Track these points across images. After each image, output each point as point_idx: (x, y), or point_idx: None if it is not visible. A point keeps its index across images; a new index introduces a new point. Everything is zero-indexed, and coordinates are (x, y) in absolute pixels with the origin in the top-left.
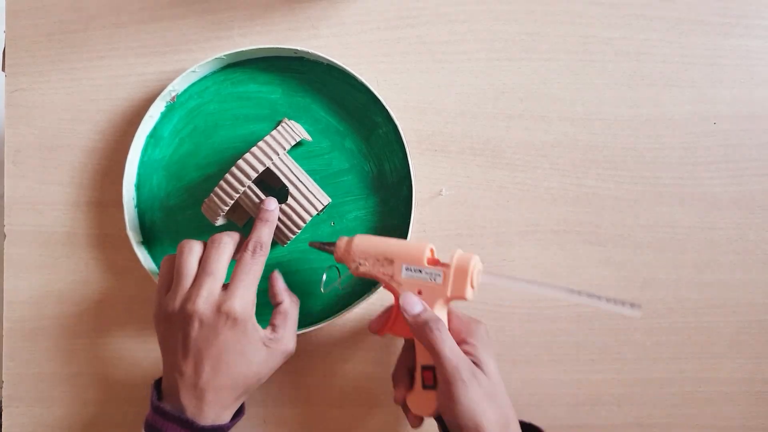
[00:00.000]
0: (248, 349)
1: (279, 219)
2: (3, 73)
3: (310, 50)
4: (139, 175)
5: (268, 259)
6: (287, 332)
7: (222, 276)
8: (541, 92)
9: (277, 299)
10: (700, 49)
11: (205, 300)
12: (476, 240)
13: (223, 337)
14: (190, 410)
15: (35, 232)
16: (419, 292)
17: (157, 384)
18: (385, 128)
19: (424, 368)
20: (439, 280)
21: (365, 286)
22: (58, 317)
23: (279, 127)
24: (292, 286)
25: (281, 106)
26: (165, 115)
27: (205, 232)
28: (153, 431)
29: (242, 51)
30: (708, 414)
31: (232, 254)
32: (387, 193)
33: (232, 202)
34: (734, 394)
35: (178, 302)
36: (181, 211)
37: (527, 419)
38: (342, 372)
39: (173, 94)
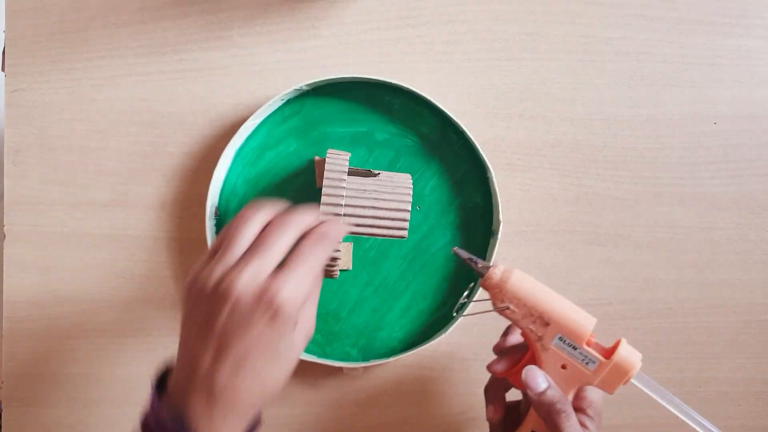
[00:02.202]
0: (284, 353)
1: (376, 222)
2: (3, 73)
3: (399, 83)
4: (222, 192)
5: None
6: (313, 312)
7: (277, 258)
8: (541, 92)
9: None
10: (700, 49)
11: (249, 280)
12: None
13: (256, 331)
14: (197, 415)
15: (35, 232)
16: (563, 367)
17: (161, 378)
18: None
19: None
20: (592, 367)
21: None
22: (58, 317)
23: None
24: None
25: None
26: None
27: None
28: None
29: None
30: (708, 414)
31: (297, 237)
32: None
33: None
34: (734, 394)
35: (216, 274)
36: None
37: None
38: (342, 371)
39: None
